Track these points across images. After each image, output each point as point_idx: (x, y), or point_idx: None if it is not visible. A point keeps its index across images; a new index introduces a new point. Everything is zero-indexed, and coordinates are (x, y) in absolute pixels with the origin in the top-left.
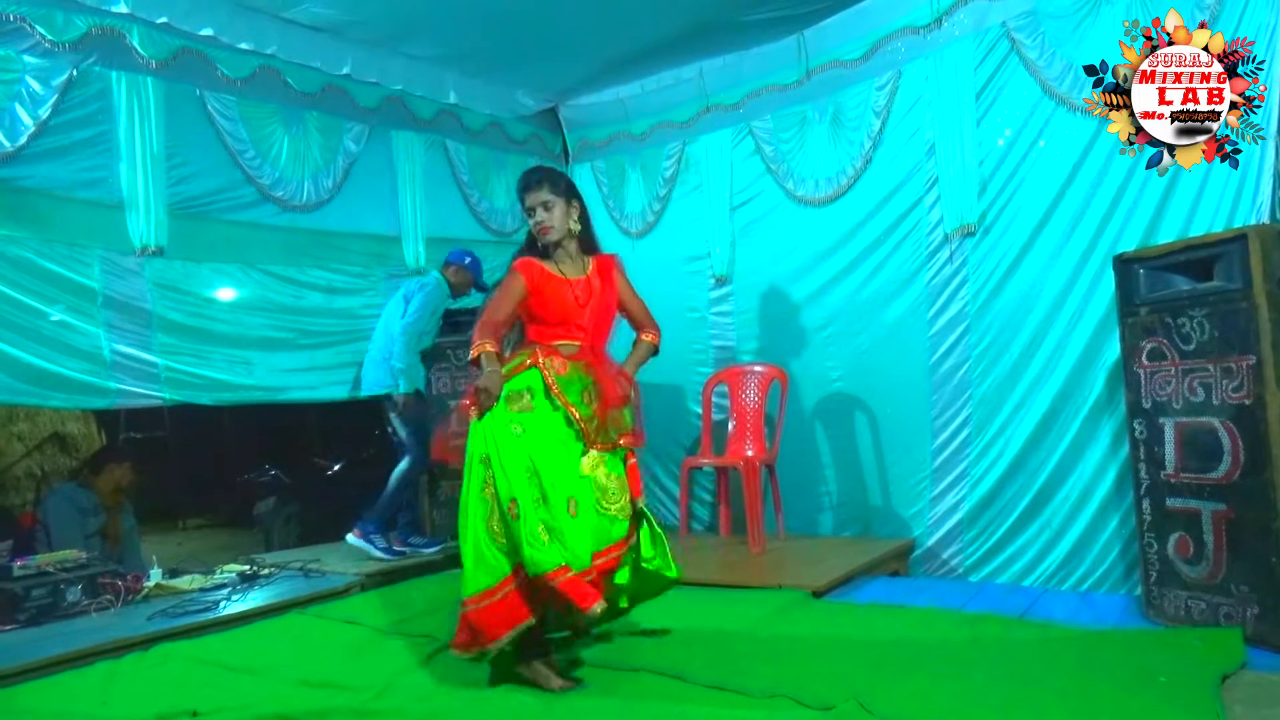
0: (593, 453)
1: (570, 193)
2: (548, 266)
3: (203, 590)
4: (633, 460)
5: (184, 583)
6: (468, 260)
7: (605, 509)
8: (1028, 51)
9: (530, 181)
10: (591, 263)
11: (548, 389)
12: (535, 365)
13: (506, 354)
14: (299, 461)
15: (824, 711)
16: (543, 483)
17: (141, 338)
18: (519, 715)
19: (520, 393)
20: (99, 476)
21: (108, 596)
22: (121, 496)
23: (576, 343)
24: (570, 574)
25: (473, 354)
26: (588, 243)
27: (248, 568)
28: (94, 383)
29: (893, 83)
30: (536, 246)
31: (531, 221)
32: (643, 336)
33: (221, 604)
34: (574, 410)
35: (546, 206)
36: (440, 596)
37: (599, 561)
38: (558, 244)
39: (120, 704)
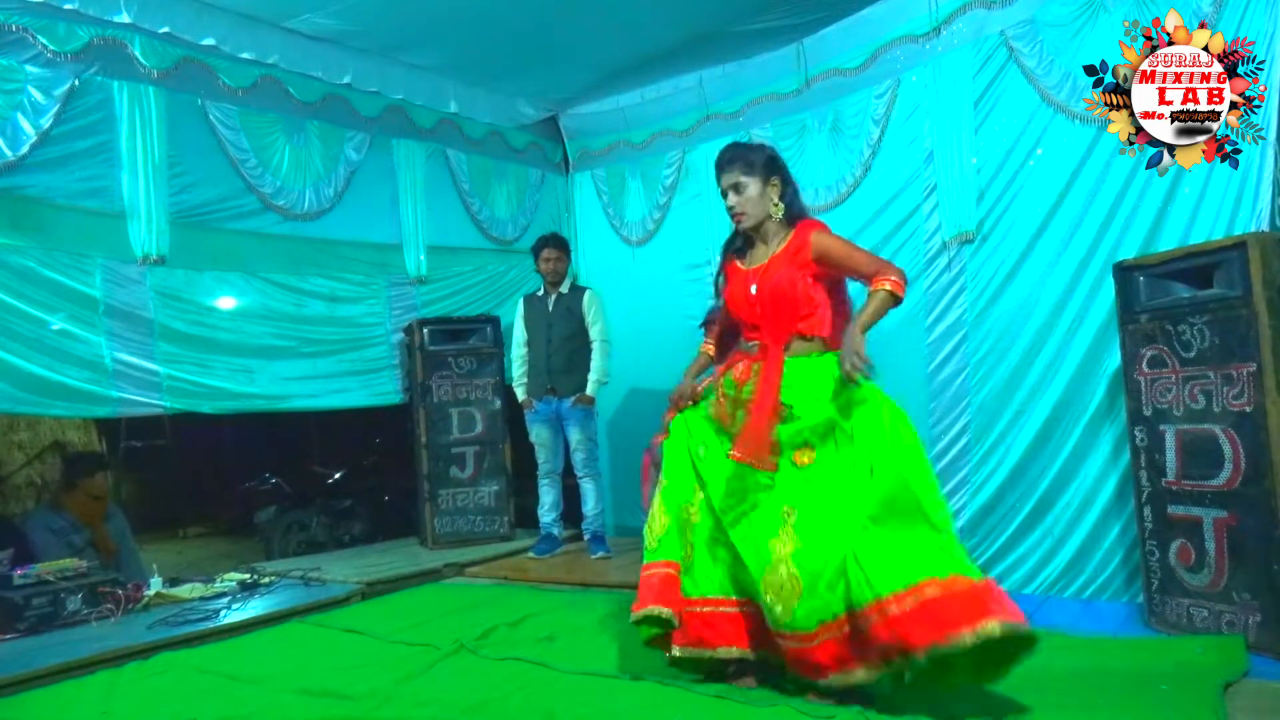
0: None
1: (770, 169)
2: (735, 258)
3: (203, 599)
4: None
5: (184, 591)
6: None
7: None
8: (1026, 60)
9: (722, 160)
10: (788, 239)
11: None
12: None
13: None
14: (300, 470)
15: (827, 719)
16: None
17: (143, 346)
18: None
19: (715, 400)
20: (70, 495)
21: (108, 605)
22: (101, 507)
23: (756, 342)
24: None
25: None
26: (793, 215)
27: (248, 576)
28: (96, 391)
29: (892, 91)
30: (735, 233)
31: (725, 205)
32: (872, 287)
33: (222, 613)
34: (726, 418)
35: (738, 189)
36: (441, 604)
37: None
38: (756, 229)
39: (121, 713)
